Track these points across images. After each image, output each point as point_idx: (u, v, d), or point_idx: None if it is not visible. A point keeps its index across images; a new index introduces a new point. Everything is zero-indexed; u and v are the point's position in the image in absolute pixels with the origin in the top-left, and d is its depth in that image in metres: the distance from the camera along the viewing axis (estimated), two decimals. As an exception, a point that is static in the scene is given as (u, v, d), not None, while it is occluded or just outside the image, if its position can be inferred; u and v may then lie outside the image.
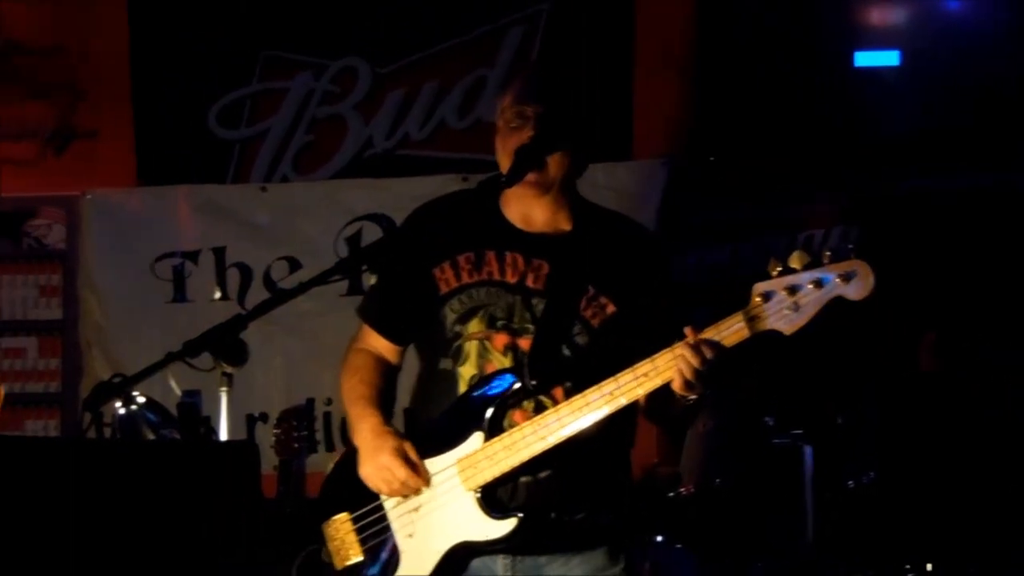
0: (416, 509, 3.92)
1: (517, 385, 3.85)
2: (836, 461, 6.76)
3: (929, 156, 8.04)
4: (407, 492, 3.91)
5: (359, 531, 4.02)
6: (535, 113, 3.91)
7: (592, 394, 3.73)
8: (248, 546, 2.90)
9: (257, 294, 8.23)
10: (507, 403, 3.84)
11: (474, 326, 3.94)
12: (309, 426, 7.55)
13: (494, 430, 3.83)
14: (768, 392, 6.92)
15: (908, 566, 6.55)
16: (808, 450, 6.67)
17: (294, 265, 8.31)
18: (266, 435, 7.22)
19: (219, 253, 8.38)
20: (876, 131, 8.17)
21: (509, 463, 3.79)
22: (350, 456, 4.02)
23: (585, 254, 3.96)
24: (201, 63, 8.51)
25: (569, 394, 3.80)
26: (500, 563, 3.89)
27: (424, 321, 4.03)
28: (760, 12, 8.30)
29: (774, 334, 3.59)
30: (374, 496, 3.97)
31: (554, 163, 3.90)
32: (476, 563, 3.89)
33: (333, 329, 7.85)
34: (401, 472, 3.86)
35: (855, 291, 3.51)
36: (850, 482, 6.74)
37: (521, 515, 3.80)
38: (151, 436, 5.45)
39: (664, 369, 3.66)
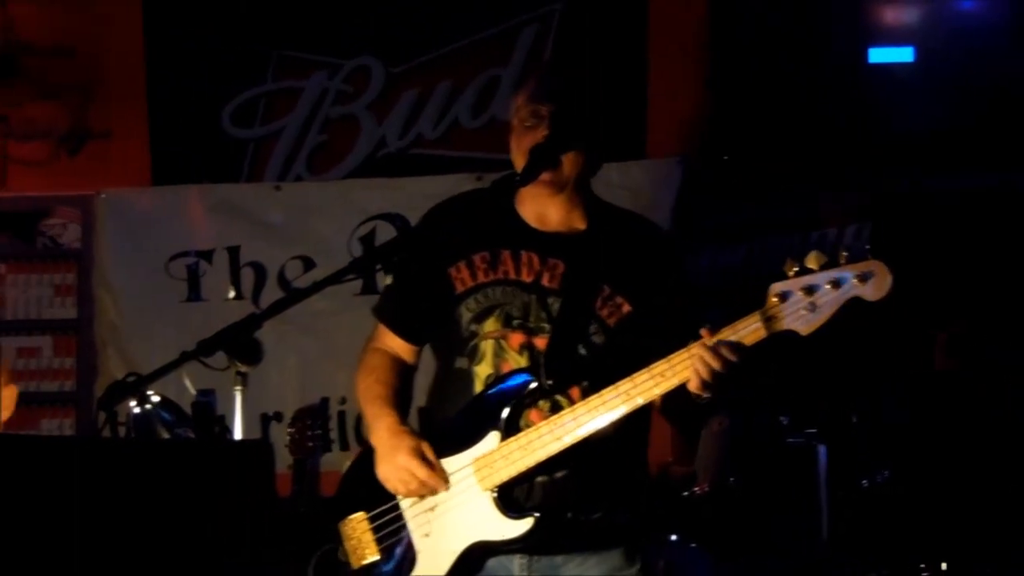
0: (432, 508, 3.92)
1: (533, 384, 3.85)
2: (850, 460, 6.76)
3: (943, 154, 8.02)
4: (424, 492, 3.91)
5: (375, 530, 4.02)
6: (549, 112, 3.91)
7: (609, 393, 3.73)
8: (262, 545, 2.90)
9: (271, 293, 8.23)
10: (523, 402, 3.84)
11: (490, 325, 3.94)
12: (323, 425, 7.55)
13: (510, 430, 3.83)
14: (784, 392, 6.92)
15: (923, 565, 6.54)
16: (822, 449, 6.66)
17: (308, 264, 8.31)
18: (280, 434, 7.23)
19: (233, 252, 8.39)
20: (890, 129, 8.15)
21: (525, 463, 3.79)
22: (366, 455, 4.02)
23: (600, 253, 3.96)
24: (215, 63, 8.51)
25: (585, 394, 3.80)
26: (516, 563, 3.89)
27: (440, 320, 4.03)
28: (774, 9, 8.29)
29: (791, 334, 3.59)
30: (390, 495, 3.97)
31: (568, 162, 3.90)
32: (492, 563, 3.89)
33: (347, 328, 7.86)
34: (419, 472, 3.86)
35: (872, 291, 3.50)
36: (864, 481, 6.73)
37: (538, 515, 3.80)
38: (166, 435, 5.45)
39: (681, 369, 3.66)
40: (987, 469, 6.80)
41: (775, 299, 3.58)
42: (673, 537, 6.58)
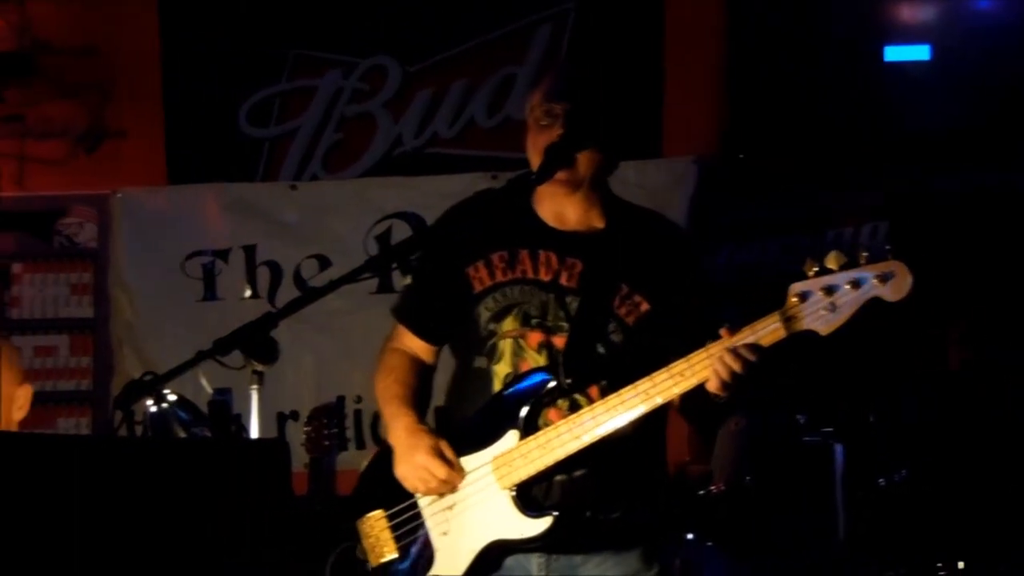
0: (451, 507, 3.93)
1: (552, 383, 3.85)
2: (867, 459, 6.74)
3: (959, 153, 8.00)
4: (443, 490, 3.92)
5: (394, 528, 4.03)
6: (563, 111, 3.91)
7: (627, 392, 3.73)
8: (279, 544, 2.90)
9: (287, 292, 8.23)
10: (542, 401, 3.85)
11: (508, 324, 3.94)
12: (339, 424, 7.56)
13: (529, 428, 3.83)
14: (803, 391, 6.91)
15: (940, 565, 6.52)
16: (839, 448, 6.64)
17: (324, 263, 8.31)
18: (297, 433, 7.24)
19: (249, 251, 8.39)
20: (906, 127, 8.13)
21: (544, 462, 3.80)
22: (385, 454, 4.03)
23: (618, 252, 3.96)
24: (230, 62, 8.51)
25: (604, 392, 3.81)
26: (535, 562, 3.89)
27: (458, 320, 4.03)
28: (790, 7, 8.27)
29: (810, 334, 3.58)
30: (409, 494, 3.98)
31: (583, 160, 3.90)
32: (510, 561, 3.90)
33: (363, 327, 7.87)
34: (437, 470, 3.87)
35: (892, 292, 3.49)
36: (881, 480, 6.72)
37: (556, 513, 3.80)
38: (182, 434, 5.45)
39: (700, 369, 3.65)
40: (1004, 469, 6.78)
41: (795, 299, 3.57)
42: (689, 536, 6.58)
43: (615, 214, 4.04)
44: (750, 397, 3.77)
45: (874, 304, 3.51)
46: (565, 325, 3.90)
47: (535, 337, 3.92)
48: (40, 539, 2.83)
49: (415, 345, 4.18)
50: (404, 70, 8.51)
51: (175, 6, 8.55)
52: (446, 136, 8.51)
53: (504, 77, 8.46)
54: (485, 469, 3.87)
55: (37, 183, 8.47)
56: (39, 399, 5.58)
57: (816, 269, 3.56)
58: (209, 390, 6.29)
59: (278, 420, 8.09)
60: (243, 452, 3.28)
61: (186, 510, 2.91)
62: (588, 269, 3.94)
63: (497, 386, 3.93)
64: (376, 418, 8.09)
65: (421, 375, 4.16)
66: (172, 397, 5.53)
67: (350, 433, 8.14)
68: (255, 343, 3.73)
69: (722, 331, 3.64)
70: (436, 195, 7.67)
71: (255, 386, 3.83)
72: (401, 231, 8.22)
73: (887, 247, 3.51)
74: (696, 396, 3.74)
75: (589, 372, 3.87)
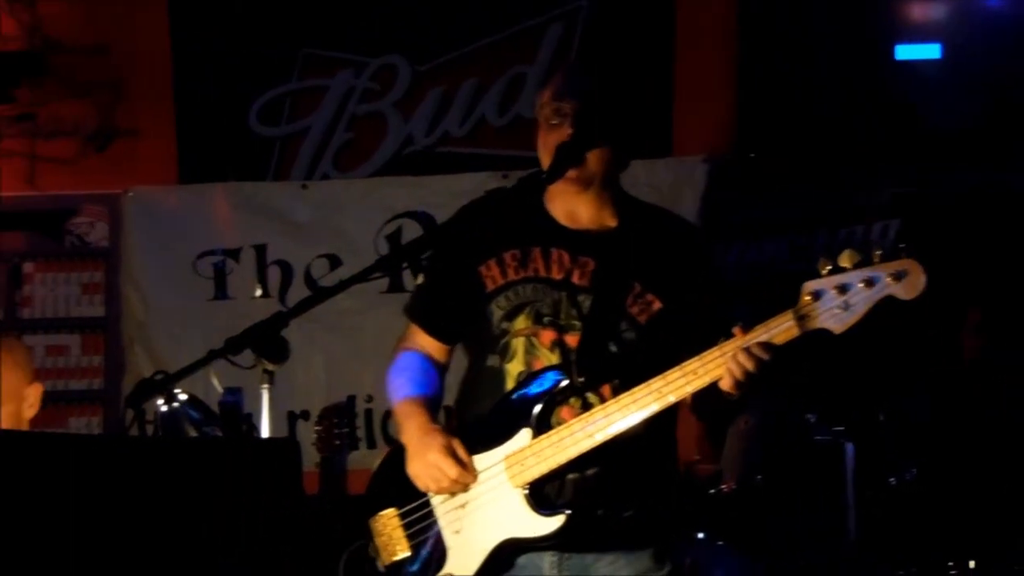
0: (463, 506, 3.93)
1: (565, 382, 3.85)
2: (878, 458, 6.74)
3: (970, 151, 7.99)
4: (454, 489, 3.92)
5: (406, 527, 4.03)
6: (572, 109, 3.91)
7: (640, 391, 3.73)
8: (290, 542, 2.91)
9: (298, 291, 8.24)
10: (555, 400, 3.85)
11: (520, 323, 3.94)
12: (350, 423, 7.59)
13: (542, 427, 3.83)
14: (815, 389, 6.90)
15: (951, 563, 6.52)
16: (850, 447, 6.64)
17: (335, 262, 8.32)
18: (307, 432, 7.26)
19: (260, 251, 8.40)
20: (917, 125, 8.13)
21: (557, 460, 3.80)
22: (397, 452, 4.03)
23: (631, 251, 3.96)
24: (241, 61, 8.52)
25: (617, 391, 3.80)
26: (547, 560, 3.89)
27: (471, 319, 4.04)
28: (800, 6, 8.27)
29: (823, 333, 3.58)
30: (421, 492, 3.98)
31: (593, 158, 3.90)
32: (522, 560, 3.89)
33: (373, 326, 7.89)
34: (450, 469, 3.87)
35: (906, 290, 3.48)
36: (892, 479, 6.72)
37: (569, 512, 3.80)
38: (193, 433, 5.45)
39: (713, 367, 3.65)
40: (1014, 467, 6.77)
41: (808, 297, 3.57)
42: (700, 535, 6.58)
43: (627, 212, 4.04)
44: (763, 395, 3.77)
45: (887, 302, 3.51)
46: (577, 323, 3.90)
47: (548, 335, 3.92)
48: (52, 539, 2.83)
49: (427, 344, 4.18)
50: (415, 69, 8.52)
51: (185, 5, 8.56)
52: (457, 135, 8.51)
53: (515, 76, 8.47)
54: (498, 468, 3.87)
55: (48, 182, 8.49)
56: (51, 398, 5.59)
57: (829, 267, 3.55)
58: (220, 389, 6.28)
59: (289, 419, 8.11)
60: (254, 451, 3.28)
61: (197, 509, 2.92)
62: (600, 267, 3.94)
63: (510, 384, 3.93)
64: (386, 417, 8.10)
65: (434, 374, 4.17)
66: (183, 396, 5.53)
67: (361, 432, 8.16)
68: (266, 342, 3.73)
69: (735, 329, 3.64)
70: (447, 194, 7.69)
71: (266, 385, 3.83)
72: (412, 230, 8.23)
73: (901, 245, 3.51)
74: (709, 394, 3.73)
75: (602, 371, 3.87)
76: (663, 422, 3.84)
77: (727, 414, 4.07)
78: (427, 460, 3.90)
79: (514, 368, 3.93)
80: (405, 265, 7.44)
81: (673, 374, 3.69)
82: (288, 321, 3.75)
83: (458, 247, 4.06)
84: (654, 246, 3.99)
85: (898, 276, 3.48)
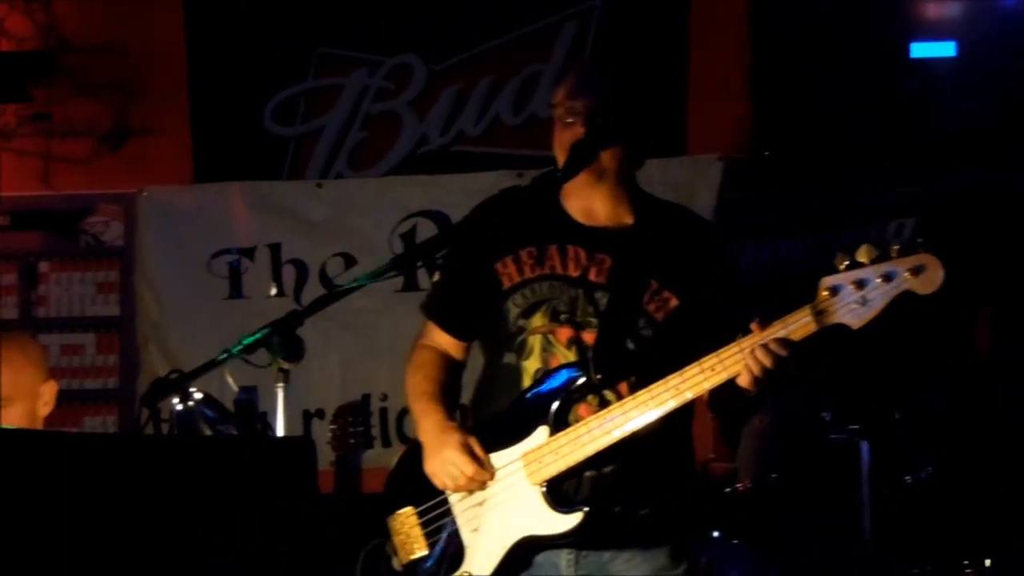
0: (481, 503, 3.93)
1: (582, 379, 3.85)
2: (893, 456, 6.73)
3: (985, 149, 7.98)
4: (472, 487, 3.92)
5: (424, 525, 4.04)
6: (585, 108, 3.92)
7: (657, 388, 3.73)
8: (307, 540, 2.91)
9: (313, 290, 8.24)
10: (572, 397, 3.85)
11: (537, 320, 3.95)
12: (365, 422, 7.58)
13: (559, 424, 3.83)
14: (832, 386, 6.89)
15: (967, 562, 6.51)
16: (865, 445, 6.63)
17: (349, 261, 8.31)
18: (322, 431, 7.26)
19: (275, 250, 8.40)
20: (932, 123, 8.12)
21: (575, 457, 3.80)
22: (414, 450, 4.04)
23: (647, 248, 3.96)
24: (256, 60, 8.51)
25: (634, 388, 3.81)
26: (564, 558, 3.90)
27: (487, 316, 4.04)
28: (815, 4, 8.26)
29: (841, 328, 3.57)
30: (439, 490, 3.99)
31: (607, 156, 3.91)
32: (540, 558, 3.90)
33: (388, 325, 7.89)
34: (467, 467, 3.87)
35: (924, 285, 3.48)
36: (907, 477, 6.71)
37: (586, 509, 3.81)
38: (208, 432, 5.46)
39: (731, 363, 3.65)
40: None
41: (826, 293, 3.57)
42: (715, 534, 6.57)
43: (644, 209, 4.04)
44: (781, 391, 3.77)
45: (904, 298, 3.50)
46: (594, 321, 3.91)
47: (564, 333, 3.92)
48: (65, 537, 2.84)
49: (444, 341, 4.19)
50: (429, 68, 8.51)
51: (201, 5, 8.55)
52: (471, 134, 8.51)
53: (529, 75, 8.46)
54: (515, 465, 3.87)
55: (63, 182, 8.50)
56: (66, 397, 5.60)
57: (847, 263, 3.55)
58: (235, 388, 6.29)
59: (304, 418, 8.10)
60: (269, 450, 3.28)
61: (213, 507, 2.92)
62: (617, 265, 3.95)
63: (526, 382, 3.93)
64: (401, 416, 8.10)
65: (451, 371, 4.17)
66: (198, 395, 5.54)
67: (376, 431, 8.15)
68: (281, 341, 3.73)
69: (753, 325, 3.64)
70: (461, 193, 7.67)
71: (281, 384, 3.83)
72: (426, 229, 8.22)
73: (919, 240, 3.50)
74: (726, 391, 3.74)
75: (619, 368, 3.87)
76: (680, 419, 3.85)
77: (745, 411, 4.07)
78: (444, 458, 3.91)
79: (531, 366, 3.94)
80: (420, 264, 7.48)
81: (691, 370, 3.70)
82: (303, 320, 3.75)
83: (474, 245, 4.06)
84: (671, 243, 3.99)
85: (916, 271, 3.47)
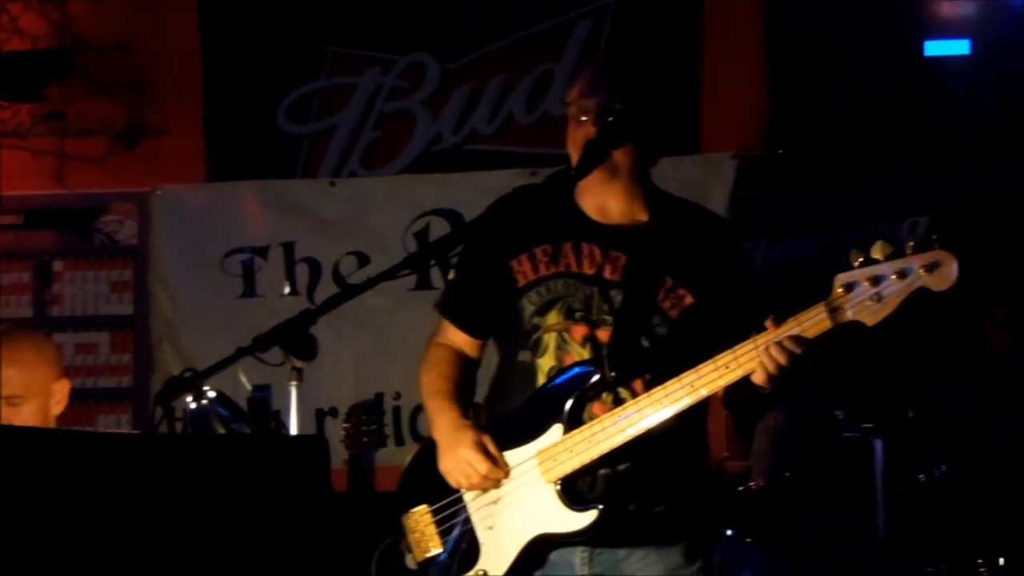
0: (495, 501, 3.93)
1: (596, 377, 3.85)
2: (907, 455, 6.72)
3: (999, 148, 7.96)
4: (486, 485, 3.92)
5: (439, 523, 4.04)
6: (597, 106, 3.92)
7: (672, 386, 3.73)
8: (321, 539, 2.91)
9: (326, 289, 8.25)
10: (586, 395, 3.85)
11: (552, 318, 3.95)
12: (378, 420, 7.60)
13: (573, 422, 3.83)
14: (846, 384, 6.88)
15: (980, 560, 6.49)
16: (879, 444, 6.62)
17: (363, 260, 8.32)
18: (335, 429, 7.27)
19: (288, 248, 8.41)
20: (946, 122, 8.10)
21: (589, 455, 3.80)
22: (429, 448, 4.04)
23: (662, 245, 3.96)
24: (270, 59, 8.53)
25: (648, 386, 3.80)
26: (578, 556, 3.90)
27: (502, 314, 4.04)
28: (829, 2, 8.25)
29: (856, 325, 3.57)
30: (453, 488, 3.99)
31: (619, 154, 3.90)
32: (554, 556, 3.90)
33: (401, 324, 7.90)
34: (481, 465, 3.87)
35: (938, 282, 3.47)
36: (921, 476, 6.70)
37: (601, 507, 3.81)
38: (222, 431, 5.47)
39: (746, 361, 3.65)
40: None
41: (840, 289, 3.56)
42: (728, 532, 6.57)
43: (658, 207, 4.04)
44: (795, 389, 3.77)
45: (918, 295, 3.50)
46: (609, 318, 3.90)
47: (579, 331, 3.92)
48: (73, 536, 2.84)
49: (459, 339, 4.19)
50: (442, 67, 8.52)
51: (214, 4, 8.57)
52: (484, 132, 8.51)
53: (542, 73, 8.46)
54: (530, 463, 3.87)
55: (77, 181, 8.52)
56: (80, 396, 5.62)
57: (861, 259, 3.54)
58: (248, 387, 6.30)
59: (317, 417, 8.12)
60: (282, 448, 3.28)
61: (226, 506, 2.92)
62: (632, 262, 3.94)
63: (541, 380, 3.93)
64: (414, 414, 8.11)
65: (465, 369, 4.17)
66: (212, 394, 5.54)
67: (389, 430, 8.16)
68: (294, 340, 3.73)
69: (767, 322, 3.64)
70: (475, 191, 7.67)
71: (294, 383, 3.83)
72: (439, 228, 8.23)
73: (933, 236, 3.49)
74: (741, 388, 3.73)
75: (633, 365, 3.87)
76: (694, 417, 3.85)
77: (760, 408, 4.06)
78: (458, 456, 3.91)
79: (545, 363, 3.94)
80: (433, 262, 7.48)
81: (705, 368, 3.69)
82: (316, 318, 3.75)
83: (489, 242, 4.06)
84: (685, 240, 3.99)
85: (930, 267, 3.46)
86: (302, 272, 8.39)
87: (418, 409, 7.90)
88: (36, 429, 4.28)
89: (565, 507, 3.83)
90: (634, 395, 3.83)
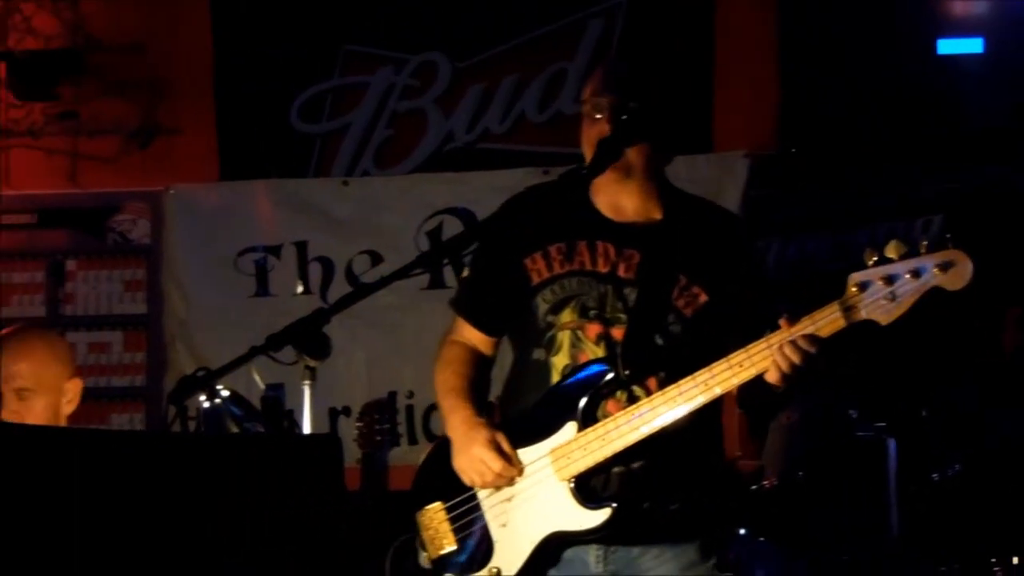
0: (509, 499, 3.93)
1: (610, 375, 3.85)
2: (921, 454, 6.71)
3: (1012, 146, 7.95)
4: (500, 483, 3.92)
5: (453, 520, 4.04)
6: (610, 105, 3.92)
7: (687, 384, 3.72)
8: (334, 537, 2.91)
9: (339, 288, 8.26)
10: (601, 393, 3.85)
11: (566, 316, 3.95)
12: (391, 419, 7.59)
13: (588, 420, 3.83)
14: (860, 383, 6.88)
15: (994, 560, 6.48)
16: (892, 443, 6.61)
17: (375, 259, 8.33)
18: (349, 428, 7.29)
19: (301, 247, 8.42)
20: (959, 120, 8.09)
21: (603, 453, 3.80)
22: (443, 446, 4.04)
23: (676, 243, 3.95)
24: (282, 59, 8.54)
25: (663, 384, 3.80)
26: (592, 554, 3.90)
27: (516, 312, 4.04)
28: (841, 1, 8.24)
29: (870, 324, 3.56)
30: (467, 486, 3.99)
31: (633, 153, 3.90)
32: (568, 554, 3.90)
33: (414, 323, 7.90)
34: (494, 463, 3.87)
35: (952, 281, 3.46)
36: (935, 475, 6.69)
37: (615, 505, 3.80)
38: (235, 429, 5.47)
39: (759, 359, 3.65)
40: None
41: (854, 288, 3.55)
42: (742, 531, 6.56)
43: (673, 205, 4.04)
44: (808, 388, 3.77)
45: (932, 294, 3.49)
46: (623, 317, 3.90)
47: (593, 329, 3.92)
48: (74, 535, 2.84)
49: (474, 337, 4.19)
50: (455, 66, 8.52)
51: (227, 3, 8.59)
52: (497, 131, 8.52)
53: (555, 72, 8.47)
54: (544, 461, 3.87)
55: (90, 180, 8.53)
56: (93, 395, 5.63)
57: (875, 258, 3.53)
58: (261, 386, 6.30)
59: (330, 415, 8.12)
60: (296, 447, 3.28)
61: (240, 505, 2.93)
62: (646, 260, 3.94)
63: (555, 378, 3.93)
64: (428, 413, 8.12)
65: (480, 367, 4.17)
66: (225, 393, 5.54)
67: (402, 428, 8.16)
68: (307, 339, 3.73)
69: (781, 321, 3.64)
70: (487, 190, 7.68)
71: (307, 382, 3.83)
72: (452, 226, 8.23)
73: (947, 235, 3.48)
74: (755, 387, 3.73)
75: (648, 363, 3.87)
76: (709, 415, 3.84)
77: (773, 407, 4.06)
78: (472, 454, 3.91)
79: (559, 361, 3.93)
80: (446, 261, 7.48)
81: (719, 366, 3.69)
82: (329, 317, 3.75)
83: (503, 240, 4.06)
84: (700, 238, 3.98)
85: (945, 267, 3.45)
86: (315, 271, 8.40)
87: (431, 408, 7.91)
88: (36, 427, 4.28)
89: (579, 505, 3.83)
90: (648, 393, 3.83)
